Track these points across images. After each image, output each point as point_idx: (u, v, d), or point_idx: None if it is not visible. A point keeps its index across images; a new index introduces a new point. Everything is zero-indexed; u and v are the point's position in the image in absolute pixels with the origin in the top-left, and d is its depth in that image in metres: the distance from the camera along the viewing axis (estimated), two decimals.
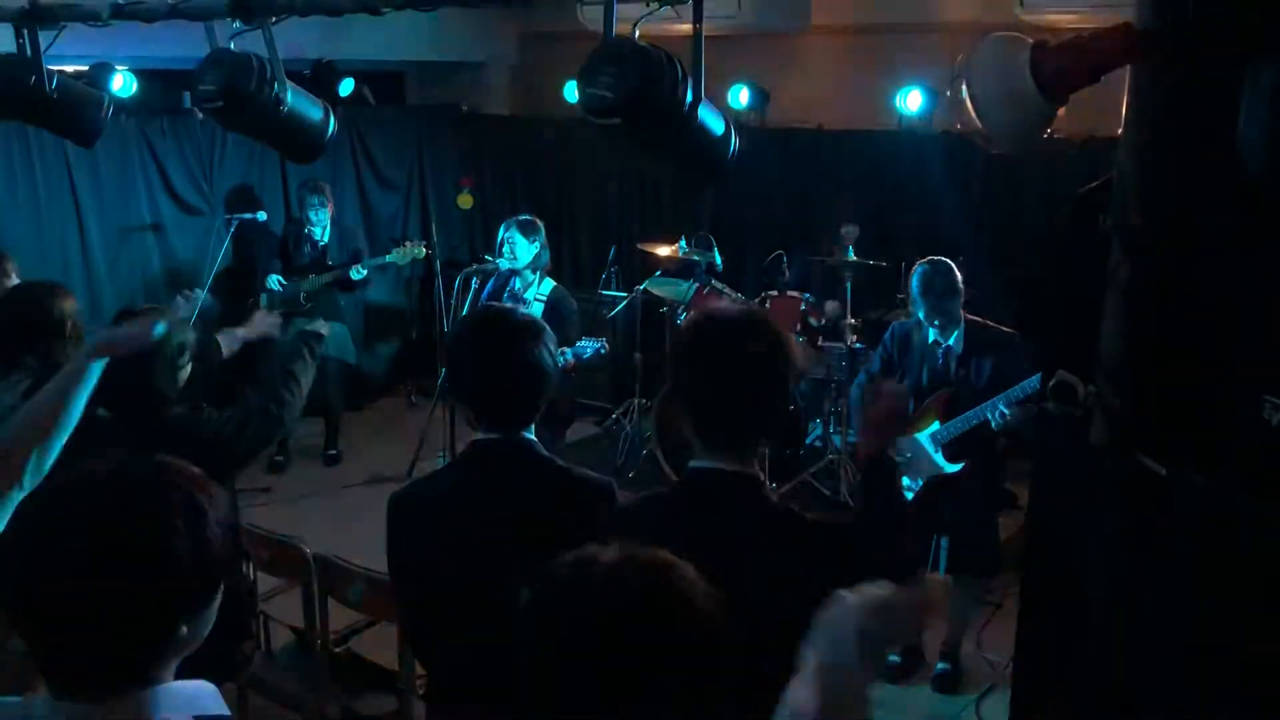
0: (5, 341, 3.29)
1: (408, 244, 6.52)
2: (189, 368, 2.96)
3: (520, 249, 5.05)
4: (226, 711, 1.41)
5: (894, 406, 2.23)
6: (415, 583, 2.24)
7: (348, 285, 6.46)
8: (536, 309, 4.96)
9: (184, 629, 1.33)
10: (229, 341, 3.66)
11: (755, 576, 1.37)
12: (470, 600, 2.05)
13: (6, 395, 3.04)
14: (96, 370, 2.24)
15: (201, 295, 2.72)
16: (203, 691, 1.39)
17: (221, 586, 1.37)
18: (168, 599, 1.30)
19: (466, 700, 2.16)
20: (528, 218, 5.21)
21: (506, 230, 5.12)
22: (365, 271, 6.38)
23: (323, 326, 3.33)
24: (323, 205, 6.42)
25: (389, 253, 6.51)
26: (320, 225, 6.44)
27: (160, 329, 2.45)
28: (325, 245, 6.46)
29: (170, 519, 1.30)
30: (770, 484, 1.96)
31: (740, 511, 1.84)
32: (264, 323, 3.69)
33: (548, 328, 2.22)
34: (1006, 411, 3.92)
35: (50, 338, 3.24)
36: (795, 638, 1.49)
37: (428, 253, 6.68)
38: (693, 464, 1.92)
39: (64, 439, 2.11)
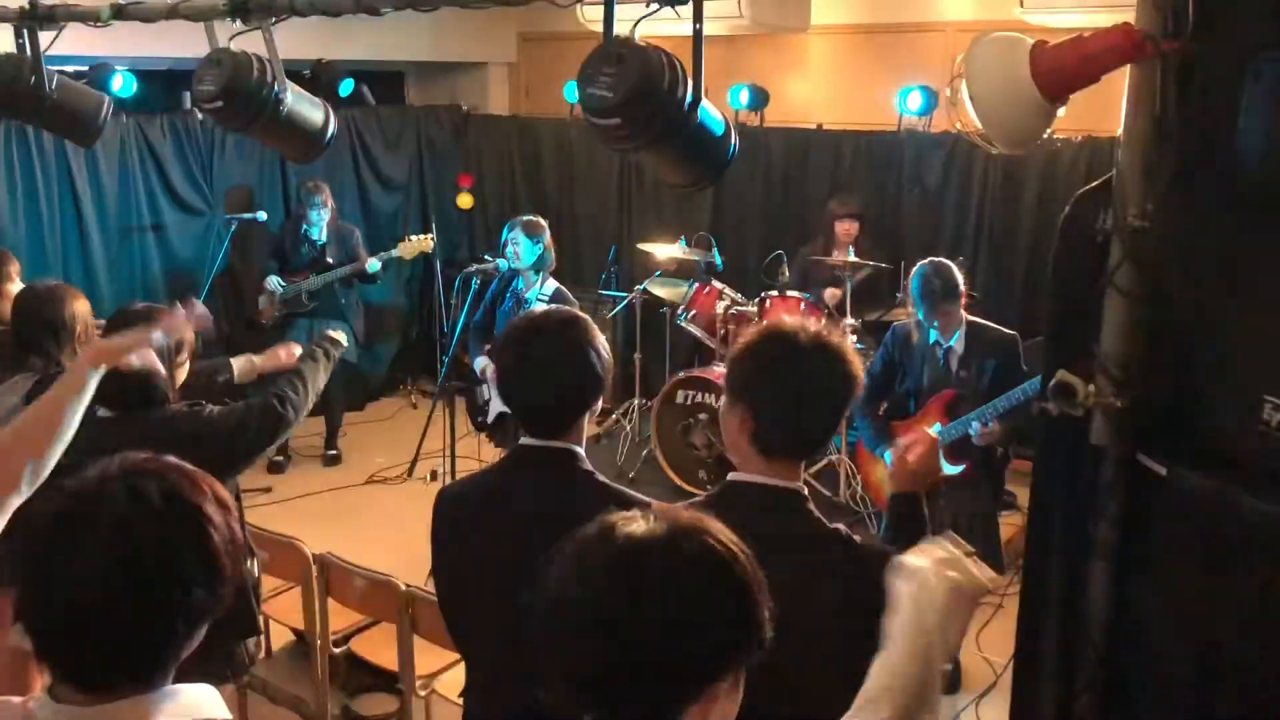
0: (14, 342, 3.29)
1: (413, 239, 6.52)
2: (187, 365, 2.96)
3: (524, 249, 5.04)
4: (227, 715, 1.41)
5: (929, 458, 2.17)
6: (451, 580, 2.24)
7: (364, 279, 6.48)
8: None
9: (186, 633, 1.34)
10: (245, 370, 3.60)
11: (795, 597, 1.37)
12: (501, 604, 2.03)
13: (10, 396, 3.03)
14: (94, 380, 2.22)
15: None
16: (203, 695, 1.39)
17: (225, 591, 1.37)
18: (176, 604, 1.31)
19: (501, 697, 2.15)
20: (532, 218, 5.19)
21: (510, 231, 5.11)
22: (379, 265, 6.41)
23: (342, 336, 3.30)
24: (324, 205, 6.44)
25: (394, 247, 6.50)
26: (319, 225, 6.46)
27: (159, 339, 2.43)
28: (324, 244, 6.48)
29: (180, 526, 1.31)
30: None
31: (784, 530, 1.82)
32: (284, 356, 3.56)
33: (596, 330, 2.17)
34: (979, 427, 3.93)
35: (59, 340, 3.23)
36: (836, 661, 1.49)
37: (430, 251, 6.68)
38: (733, 476, 1.94)
39: (61, 448, 2.08)
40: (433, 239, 6.58)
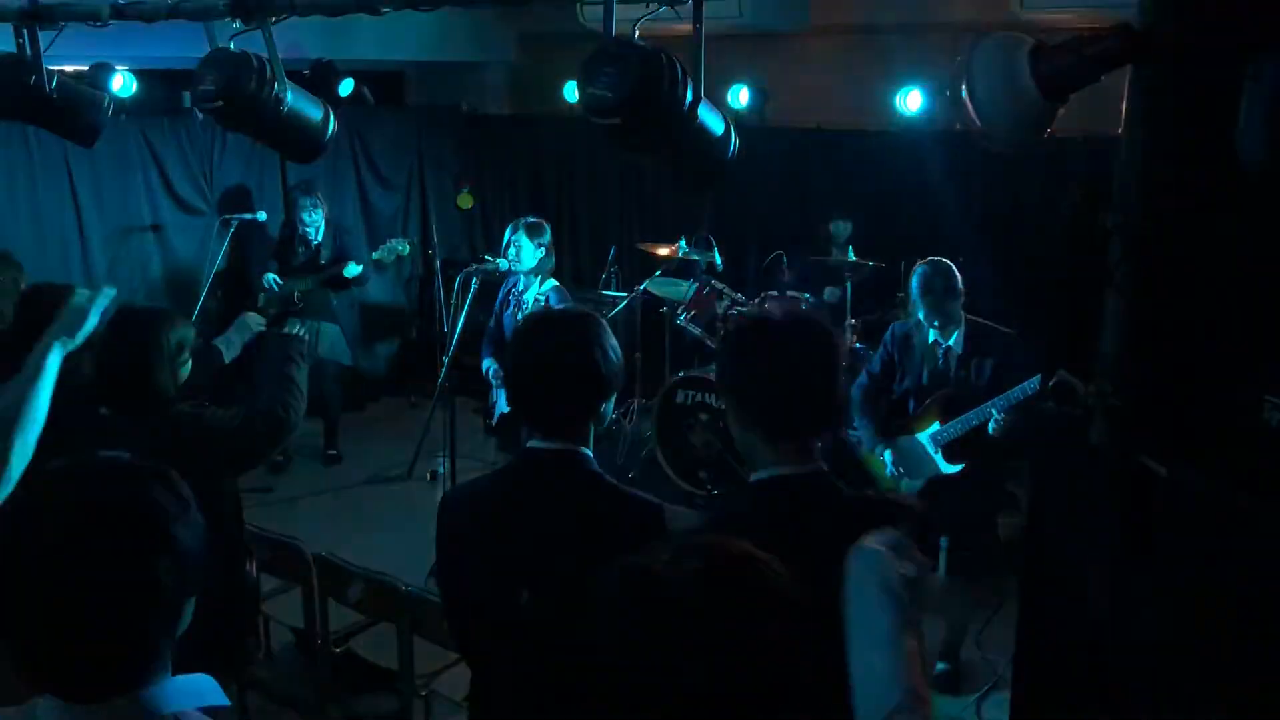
0: (17, 342, 3.29)
1: (391, 242, 6.53)
2: (189, 365, 2.96)
3: (525, 252, 5.04)
4: (227, 701, 1.42)
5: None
6: (456, 586, 2.20)
7: (343, 284, 6.47)
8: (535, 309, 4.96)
9: (168, 619, 1.34)
10: (229, 349, 3.66)
11: (831, 584, 1.36)
12: (507, 609, 2.02)
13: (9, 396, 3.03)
14: (54, 361, 2.25)
15: (112, 292, 2.64)
16: (203, 683, 1.39)
17: (195, 573, 1.36)
18: (143, 600, 1.30)
19: (505, 701, 2.15)
20: (534, 220, 5.18)
21: (513, 232, 5.11)
22: (360, 269, 6.40)
23: (297, 328, 3.34)
24: (316, 207, 6.44)
25: (374, 251, 6.52)
26: (314, 226, 6.46)
27: (82, 296, 2.42)
28: (319, 245, 6.48)
29: (135, 523, 1.30)
30: None
31: (825, 512, 1.81)
32: (251, 322, 3.64)
33: (606, 329, 2.12)
34: (1000, 417, 3.93)
35: None
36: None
37: (427, 253, 6.69)
38: (756, 476, 1.89)
39: (31, 435, 2.10)
40: (411, 242, 6.58)
